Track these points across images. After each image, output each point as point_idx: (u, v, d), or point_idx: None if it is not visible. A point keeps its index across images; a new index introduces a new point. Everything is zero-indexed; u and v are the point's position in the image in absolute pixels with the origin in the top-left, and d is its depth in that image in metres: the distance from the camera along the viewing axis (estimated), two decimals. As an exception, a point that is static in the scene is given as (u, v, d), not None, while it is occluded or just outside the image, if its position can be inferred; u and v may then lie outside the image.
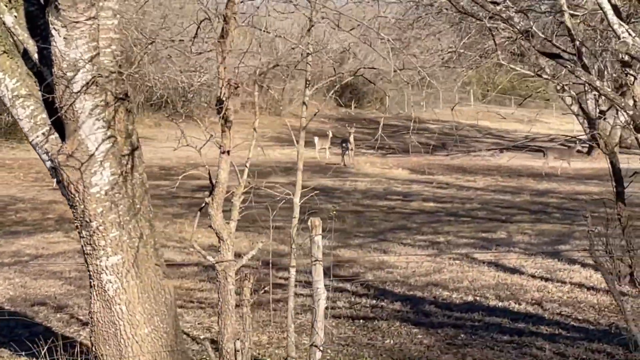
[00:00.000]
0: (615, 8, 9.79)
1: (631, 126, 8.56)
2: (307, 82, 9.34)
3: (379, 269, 14.87)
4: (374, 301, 12.56)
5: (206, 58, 46.47)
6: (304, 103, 9.66)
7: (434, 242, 17.48)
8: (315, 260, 8.70)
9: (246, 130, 35.16)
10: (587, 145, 39.61)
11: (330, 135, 36.19)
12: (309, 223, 8.80)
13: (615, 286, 9.07)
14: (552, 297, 12.60)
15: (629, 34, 7.92)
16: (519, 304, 12.17)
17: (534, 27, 8.96)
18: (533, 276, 13.93)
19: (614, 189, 9.83)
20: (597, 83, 8.61)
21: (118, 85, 8.49)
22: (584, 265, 14.42)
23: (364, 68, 9.72)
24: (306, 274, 14.25)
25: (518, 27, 8.73)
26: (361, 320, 11.54)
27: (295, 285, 13.02)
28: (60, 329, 11.16)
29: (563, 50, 9.43)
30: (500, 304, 12.26)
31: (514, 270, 14.35)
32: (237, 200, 8.85)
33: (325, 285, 13.32)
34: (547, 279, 13.65)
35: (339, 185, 28.17)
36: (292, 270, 9.46)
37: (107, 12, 8.34)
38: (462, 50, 32.86)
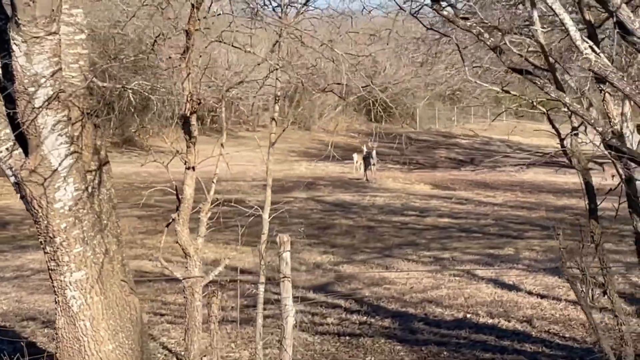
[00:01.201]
0: (589, 24, 9.70)
1: (600, 143, 8.45)
2: (277, 98, 9.30)
3: (378, 285, 14.79)
4: (365, 317, 12.49)
5: (234, 72, 46.91)
6: (273, 119, 9.63)
7: (439, 258, 17.37)
8: (283, 277, 8.68)
9: (279, 145, 35.04)
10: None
11: (365, 150, 36.13)
12: (277, 239, 8.76)
13: (588, 303, 8.93)
14: (544, 314, 12.48)
15: (592, 50, 7.82)
16: (509, 322, 12.07)
17: (507, 42, 8.88)
18: (530, 293, 13.81)
19: (587, 206, 9.70)
20: (567, 99, 8.51)
21: (86, 100, 8.51)
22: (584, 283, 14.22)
23: (335, 84, 9.63)
24: (303, 289, 14.29)
25: (488, 44, 8.65)
26: (347, 337, 11.48)
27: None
28: (44, 345, 11.18)
29: (537, 67, 9.34)
30: (490, 321, 12.16)
31: (512, 287, 14.23)
32: (204, 217, 8.83)
33: (321, 302, 13.39)
34: (543, 296, 13.53)
35: (357, 200, 28.10)
36: (261, 287, 9.43)
37: (74, 27, 8.37)
38: (487, 66, 32.70)
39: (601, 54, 8.21)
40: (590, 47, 8.14)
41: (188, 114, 8.39)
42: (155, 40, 8.12)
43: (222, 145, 9.09)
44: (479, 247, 18.65)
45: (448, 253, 17.92)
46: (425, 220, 23.63)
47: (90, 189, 8.31)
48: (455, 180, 34.10)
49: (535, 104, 8.91)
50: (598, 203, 9.33)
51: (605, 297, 9.28)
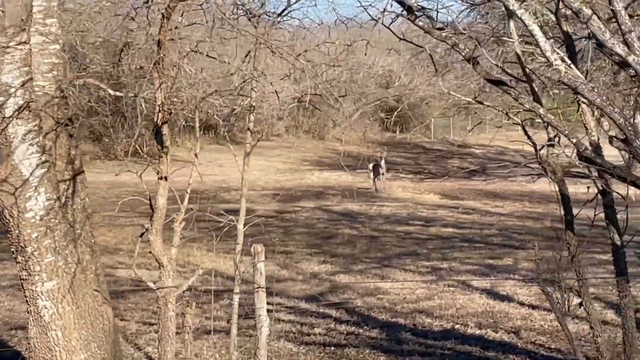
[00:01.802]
0: (567, 35, 9.67)
1: (575, 154, 8.43)
2: (252, 107, 9.31)
3: (371, 295, 14.75)
4: (353, 328, 12.46)
5: (248, 81, 46.96)
6: (248, 129, 9.63)
7: (437, 269, 17.32)
8: (258, 287, 8.65)
9: (290, 154, 35.31)
10: None
11: (384, 161, 36.00)
12: (251, 250, 8.76)
13: (563, 315, 8.89)
14: (533, 325, 12.42)
15: (562, 61, 7.79)
16: (496, 332, 12.02)
17: (484, 52, 8.87)
18: (522, 304, 13.76)
19: (563, 217, 9.67)
20: (541, 110, 8.48)
21: (60, 109, 8.53)
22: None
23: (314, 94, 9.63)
24: (296, 299, 14.28)
25: (463, 54, 8.63)
26: (333, 347, 11.44)
27: (274, 311, 13.03)
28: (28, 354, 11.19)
29: (514, 77, 9.31)
30: (477, 332, 12.11)
31: (504, 298, 14.17)
32: (177, 227, 8.82)
33: (312, 311, 13.37)
34: (534, 307, 13.49)
35: (364, 210, 28.06)
36: (236, 297, 9.42)
37: (48, 37, 8.39)
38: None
39: (572, 65, 8.19)
40: (561, 58, 8.12)
41: (159, 124, 8.38)
42: (122, 49, 8.13)
43: (195, 155, 9.08)
44: (478, 258, 18.58)
45: (447, 263, 17.86)
46: (430, 230, 23.57)
47: (63, 199, 8.32)
48: (465, 190, 34.00)
49: (507, 113, 8.90)
50: (575, 213, 9.32)
51: (582, 308, 9.24)
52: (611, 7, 8.04)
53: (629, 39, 8.02)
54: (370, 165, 37.06)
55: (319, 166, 44.80)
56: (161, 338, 8.56)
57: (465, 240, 21.62)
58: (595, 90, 8.00)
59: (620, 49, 7.92)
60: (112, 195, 31.43)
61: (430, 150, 53.26)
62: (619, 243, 9.25)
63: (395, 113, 49.21)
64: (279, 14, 9.12)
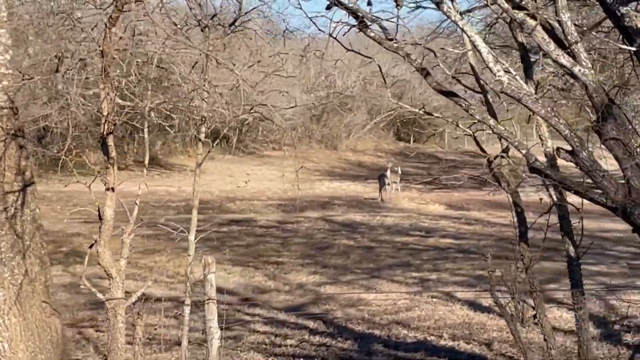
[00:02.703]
0: (522, 46, 9.61)
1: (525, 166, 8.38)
2: (203, 119, 9.29)
3: (353, 306, 14.70)
4: (327, 339, 12.43)
5: (258, 92, 47.08)
6: (199, 140, 9.61)
7: (425, 280, 17.23)
8: (208, 299, 8.61)
9: (304, 164, 35.02)
10: None
11: (400, 171, 35.83)
12: (202, 261, 8.73)
13: (517, 328, 8.82)
14: (508, 337, 12.30)
15: (505, 72, 7.74)
16: (468, 344, 11.97)
17: (440, 63, 8.85)
18: (501, 315, 13.63)
19: (517, 229, 9.62)
20: (491, 122, 8.44)
21: (10, 120, 8.54)
22: (561, 304, 14.14)
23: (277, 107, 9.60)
24: (276, 310, 14.23)
25: (414, 65, 8.60)
26: (301, 359, 11.39)
27: (251, 322, 13.03)
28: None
29: (469, 88, 9.27)
30: (450, 343, 12.05)
31: (485, 309, 14.09)
32: (127, 238, 8.80)
33: (290, 322, 13.33)
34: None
35: (367, 221, 27.97)
36: (187, 309, 9.39)
37: (-2, 48, 8.41)
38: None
39: (517, 77, 8.14)
40: (506, 69, 8.07)
41: (105, 135, 8.37)
42: (59, 59, 8.12)
43: (145, 167, 9.07)
44: (470, 269, 18.47)
45: (436, 274, 17.78)
46: (428, 240, 23.46)
47: (12, 210, 8.32)
48: (471, 201, 33.82)
49: (457, 124, 8.84)
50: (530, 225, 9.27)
51: (536, 320, 9.17)
52: (557, 18, 8.00)
53: (576, 50, 7.97)
54: (395, 172, 36.87)
55: (330, 176, 44.78)
56: (110, 350, 8.55)
57: (461, 251, 21.50)
58: (540, 102, 7.94)
59: (565, 60, 7.88)
60: (117, 205, 31.34)
61: (444, 160, 53.08)
62: (573, 254, 9.17)
63: (398, 120, 49.10)
64: (230, 25, 9.10)
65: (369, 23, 8.55)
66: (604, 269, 17.85)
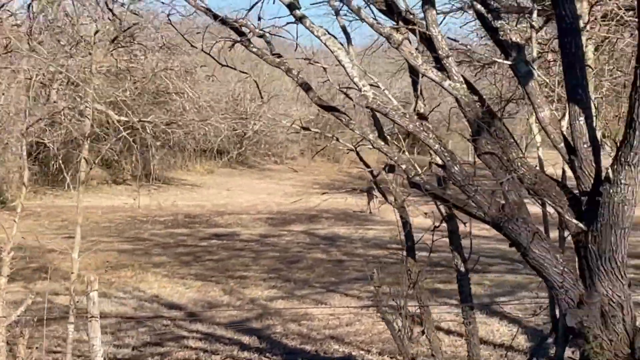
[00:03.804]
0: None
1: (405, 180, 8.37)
2: (85, 136, 9.30)
3: (296, 321, 14.69)
4: (255, 355, 12.45)
5: (257, 105, 47.09)
6: (84, 159, 9.63)
7: (383, 293, 17.14)
8: (91, 317, 8.61)
9: (304, 178, 35.33)
10: None
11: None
12: (85, 279, 8.72)
13: (405, 343, 8.78)
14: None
15: (370, 87, 7.74)
16: (392, 359, 11.90)
17: (328, 76, 8.86)
18: (439, 329, 13.60)
19: (404, 244, 9.60)
20: (371, 137, 8.44)
21: None
22: (503, 318, 14.13)
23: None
24: (217, 325, 14.23)
25: (296, 80, 8.62)
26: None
27: (190, 338, 13.03)
28: None
29: (353, 101, 9.25)
30: (375, 358, 12.03)
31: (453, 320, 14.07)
32: (6, 256, 8.81)
33: (226, 338, 13.33)
34: (449, 332, 13.35)
35: (349, 234, 27.97)
36: (71, 327, 9.40)
37: None
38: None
39: (386, 91, 8.13)
40: (374, 84, 8.07)
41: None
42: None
43: (24, 184, 9.09)
44: (433, 282, 18.42)
45: (394, 288, 17.69)
46: (401, 253, 23.36)
47: None
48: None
49: (338, 139, 8.84)
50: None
51: (424, 335, 9.13)
52: (427, 32, 8.00)
53: (447, 64, 7.97)
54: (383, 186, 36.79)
55: (329, 189, 44.73)
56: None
57: (434, 264, 21.32)
58: (408, 116, 7.93)
59: (433, 75, 7.88)
60: (106, 220, 31.64)
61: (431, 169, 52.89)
62: (462, 269, 9.13)
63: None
64: (112, 40, 9.13)
65: (267, 37, 8.56)
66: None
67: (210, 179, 46.29)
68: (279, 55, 8.56)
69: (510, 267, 20.67)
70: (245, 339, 13.33)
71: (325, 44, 7.62)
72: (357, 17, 8.25)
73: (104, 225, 30.70)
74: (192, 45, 8.54)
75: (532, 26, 8.54)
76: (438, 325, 12.52)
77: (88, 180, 42.53)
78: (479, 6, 8.23)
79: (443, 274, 19.75)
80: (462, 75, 8.35)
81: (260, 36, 8.58)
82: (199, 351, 12.63)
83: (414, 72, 9.62)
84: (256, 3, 8.48)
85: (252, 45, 8.51)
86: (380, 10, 8.82)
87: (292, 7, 7.64)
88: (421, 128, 7.82)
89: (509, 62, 8.02)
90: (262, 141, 51.15)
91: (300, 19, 7.64)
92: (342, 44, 7.95)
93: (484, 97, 8.64)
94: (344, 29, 8.50)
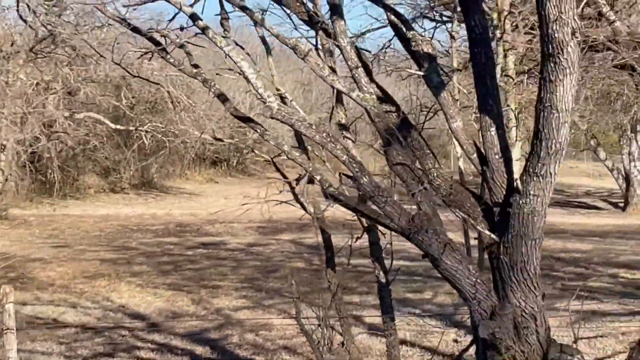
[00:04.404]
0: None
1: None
2: (2, 146, 9.29)
3: (254, 331, 14.66)
4: (201, 365, 12.42)
5: (256, 113, 47.17)
6: None
7: (347, 303, 17.10)
8: (6, 329, 8.60)
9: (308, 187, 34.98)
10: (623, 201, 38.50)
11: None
12: (0, 291, 8.73)
13: (325, 356, 8.75)
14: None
15: (275, 99, 7.74)
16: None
17: (234, 92, 8.83)
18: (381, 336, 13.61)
19: (324, 255, 9.57)
20: (286, 147, 8.45)
21: None
22: (462, 327, 14.10)
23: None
24: (173, 336, 14.23)
25: (212, 90, 8.62)
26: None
27: (143, 349, 13.04)
28: None
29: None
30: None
31: (377, 332, 14.02)
32: None
33: (179, 348, 13.32)
34: (403, 342, 13.32)
35: (337, 242, 27.80)
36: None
37: None
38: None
39: (293, 102, 8.12)
40: (280, 95, 8.07)
41: None
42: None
43: None
44: (403, 291, 18.39)
45: (362, 297, 17.73)
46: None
47: None
48: (454, 221, 33.59)
49: (253, 150, 8.81)
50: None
51: (344, 347, 9.09)
52: (336, 43, 7.99)
53: (356, 75, 7.96)
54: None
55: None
56: None
57: (408, 273, 21.32)
58: (314, 128, 7.91)
59: (340, 86, 7.86)
60: (96, 229, 31.71)
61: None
62: (383, 280, 9.10)
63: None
64: (30, 49, 9.13)
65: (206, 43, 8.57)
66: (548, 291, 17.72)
67: (209, 188, 46.38)
68: (196, 66, 8.57)
69: (488, 276, 20.53)
70: (199, 349, 13.31)
71: (228, 54, 7.61)
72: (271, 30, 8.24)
73: (94, 234, 30.75)
74: (100, 56, 8.53)
75: (452, 36, 8.56)
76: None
77: (85, 189, 42.77)
78: (392, 17, 8.22)
79: (417, 283, 19.74)
80: (379, 85, 8.36)
81: (180, 46, 8.59)
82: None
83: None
84: (177, 13, 8.49)
85: (169, 56, 8.52)
86: (302, 20, 8.82)
87: (194, 18, 7.64)
88: (328, 139, 7.79)
89: (422, 73, 8.00)
90: (262, 149, 51.11)
91: (203, 30, 7.64)
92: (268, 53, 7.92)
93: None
94: (263, 39, 8.51)
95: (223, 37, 7.68)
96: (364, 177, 7.82)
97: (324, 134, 7.78)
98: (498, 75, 8.88)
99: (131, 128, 36.41)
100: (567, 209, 38.35)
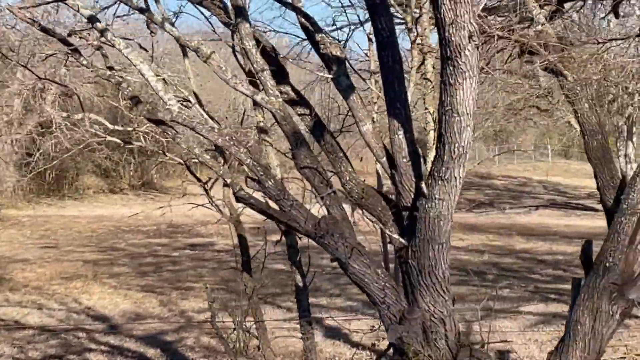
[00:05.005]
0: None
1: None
2: None
3: (210, 333, 14.60)
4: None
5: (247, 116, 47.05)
6: None
7: (314, 305, 17.07)
8: None
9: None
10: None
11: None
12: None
13: (238, 359, 8.70)
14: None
15: (176, 102, 7.68)
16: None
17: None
18: (349, 341, 13.59)
19: (242, 258, 9.53)
20: (197, 150, 8.39)
21: None
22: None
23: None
24: (128, 338, 14.21)
25: (125, 94, 8.57)
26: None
27: (94, 351, 13.03)
28: None
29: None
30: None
31: (337, 336, 13.99)
32: None
33: (132, 351, 13.31)
34: (357, 345, 13.31)
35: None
36: None
37: None
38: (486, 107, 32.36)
39: (196, 105, 8.06)
40: (185, 98, 8.02)
41: None
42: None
43: None
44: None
45: (330, 299, 17.69)
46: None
47: None
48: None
49: (165, 152, 8.77)
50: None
51: (260, 351, 9.04)
52: (242, 46, 7.93)
53: (262, 78, 7.89)
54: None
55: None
56: None
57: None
58: (216, 131, 7.85)
59: (243, 89, 7.81)
60: (89, 230, 31.75)
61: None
62: (301, 284, 9.03)
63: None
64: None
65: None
66: (500, 293, 17.63)
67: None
68: (111, 68, 8.52)
69: (463, 278, 20.49)
70: (150, 352, 13.29)
71: (127, 57, 7.56)
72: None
73: (85, 235, 30.79)
74: (6, 57, 8.52)
75: (369, 39, 8.48)
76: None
77: (84, 189, 42.85)
78: (302, 19, 8.15)
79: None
80: (294, 88, 8.30)
81: (97, 48, 8.54)
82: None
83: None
84: (99, 13, 8.45)
85: (82, 58, 8.48)
86: (222, 23, 8.76)
87: (92, 20, 7.59)
88: (231, 142, 7.72)
89: (330, 76, 7.93)
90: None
91: (102, 32, 7.59)
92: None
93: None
94: (177, 40, 8.45)
95: (125, 39, 7.62)
96: (269, 181, 7.75)
97: (227, 138, 7.70)
98: (414, 79, 8.75)
99: (129, 129, 36.40)
100: (565, 210, 38.15)
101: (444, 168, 7.14)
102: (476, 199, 45.33)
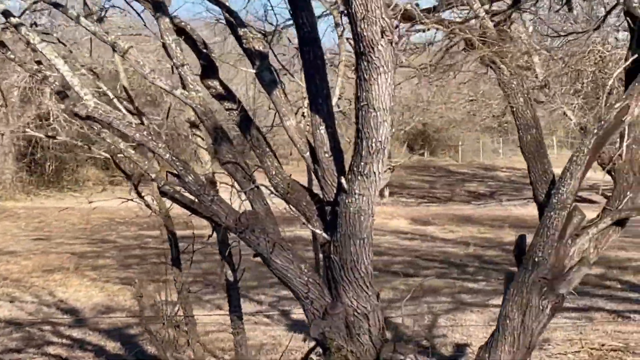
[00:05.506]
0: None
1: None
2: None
3: (178, 327, 14.58)
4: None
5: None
6: None
7: (283, 298, 17.08)
8: None
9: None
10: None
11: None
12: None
13: (170, 353, 8.69)
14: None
15: (92, 97, 7.66)
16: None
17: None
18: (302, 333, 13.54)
19: (171, 254, 9.51)
20: (122, 145, 8.35)
21: None
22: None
23: None
24: (92, 331, 14.23)
25: (51, 88, 8.56)
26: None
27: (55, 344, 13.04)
28: None
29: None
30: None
31: (295, 329, 13.97)
32: None
33: (92, 345, 13.34)
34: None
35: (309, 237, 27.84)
36: None
37: None
38: (483, 99, 32.30)
39: (115, 100, 8.04)
40: (102, 92, 7.99)
41: None
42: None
43: None
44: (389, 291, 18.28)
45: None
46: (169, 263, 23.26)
47: None
48: (439, 215, 33.53)
49: (90, 147, 8.75)
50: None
51: (189, 346, 9.02)
52: (162, 41, 7.90)
53: (182, 73, 7.86)
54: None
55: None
56: None
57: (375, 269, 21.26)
58: (134, 126, 7.81)
59: (162, 84, 7.77)
60: (83, 222, 31.77)
61: (455, 173, 52.66)
62: (232, 279, 9.02)
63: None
64: None
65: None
66: (475, 287, 17.59)
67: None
68: (39, 63, 8.50)
69: (445, 271, 20.45)
70: (110, 345, 13.31)
71: (41, 52, 7.54)
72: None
73: (79, 227, 30.83)
74: None
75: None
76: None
77: (84, 182, 42.94)
78: (227, 14, 8.13)
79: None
80: (222, 82, 8.28)
81: (27, 44, 8.52)
82: (52, 358, 12.62)
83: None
84: (26, 10, 8.44)
85: (15, 55, 8.48)
86: (153, 16, 8.71)
87: (6, 15, 7.57)
88: (149, 137, 7.69)
89: (254, 71, 7.90)
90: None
91: (15, 27, 7.57)
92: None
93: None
94: (94, 34, 8.40)
95: (45, 33, 7.61)
96: (189, 176, 7.71)
97: (145, 133, 7.67)
98: (342, 73, 8.69)
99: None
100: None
101: (362, 163, 7.10)
102: (474, 191, 45.32)
